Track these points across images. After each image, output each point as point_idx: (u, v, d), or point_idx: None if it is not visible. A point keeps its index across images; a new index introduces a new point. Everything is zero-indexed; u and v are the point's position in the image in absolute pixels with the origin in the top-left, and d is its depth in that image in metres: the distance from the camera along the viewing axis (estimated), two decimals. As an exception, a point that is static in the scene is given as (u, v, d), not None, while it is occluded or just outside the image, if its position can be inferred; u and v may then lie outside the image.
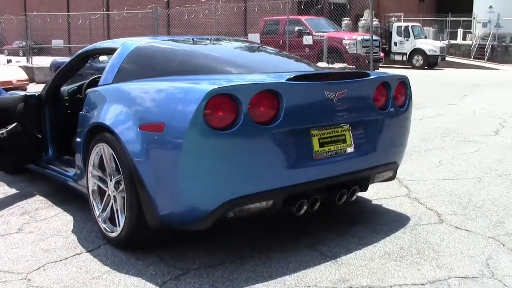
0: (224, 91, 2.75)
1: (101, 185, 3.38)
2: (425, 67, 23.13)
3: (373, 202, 4.03)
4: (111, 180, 3.25)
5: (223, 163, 2.78)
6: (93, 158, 3.38)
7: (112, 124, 3.16)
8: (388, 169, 3.60)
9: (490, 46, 26.43)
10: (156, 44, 3.92)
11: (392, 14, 26.87)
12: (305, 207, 3.10)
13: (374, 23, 20.78)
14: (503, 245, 3.17)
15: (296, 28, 18.80)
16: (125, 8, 24.47)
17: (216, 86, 2.74)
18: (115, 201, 3.23)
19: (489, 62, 25.33)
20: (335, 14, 20.73)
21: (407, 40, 23.70)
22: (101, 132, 3.27)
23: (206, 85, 2.80)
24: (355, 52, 17.86)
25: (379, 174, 3.56)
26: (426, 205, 3.93)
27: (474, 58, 26.40)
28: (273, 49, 4.51)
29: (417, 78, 14.86)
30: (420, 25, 25.39)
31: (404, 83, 3.63)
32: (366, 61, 17.11)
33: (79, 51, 4.30)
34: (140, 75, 3.47)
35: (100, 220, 3.35)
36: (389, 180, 3.81)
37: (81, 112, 3.61)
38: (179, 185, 2.78)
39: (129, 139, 3.00)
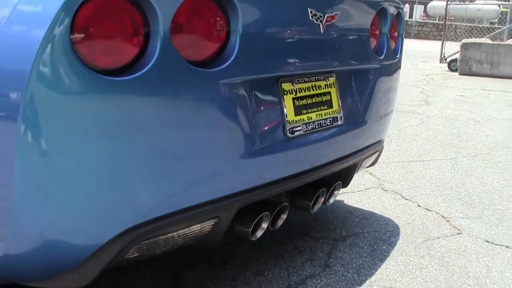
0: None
1: None
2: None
3: (338, 200, 2.69)
4: None
5: (115, 150, 1.23)
6: None
7: None
8: (375, 151, 2.28)
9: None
10: None
11: None
12: (264, 225, 1.69)
13: None
14: None
15: None
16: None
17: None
18: None
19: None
20: None
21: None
22: None
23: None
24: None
25: (366, 160, 2.23)
26: (416, 202, 2.67)
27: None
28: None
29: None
30: None
31: (399, 16, 2.29)
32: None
33: None
34: None
35: None
36: (369, 167, 2.50)
37: None
38: (16, 198, 1.17)
39: None
